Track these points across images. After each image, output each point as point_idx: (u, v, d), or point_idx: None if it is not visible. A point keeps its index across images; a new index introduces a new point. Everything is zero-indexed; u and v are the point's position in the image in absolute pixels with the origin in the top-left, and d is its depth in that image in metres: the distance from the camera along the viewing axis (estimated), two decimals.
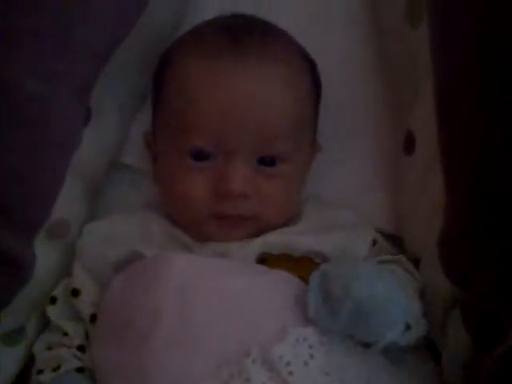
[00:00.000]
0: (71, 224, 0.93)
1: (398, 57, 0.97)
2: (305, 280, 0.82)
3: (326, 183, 1.02)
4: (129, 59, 0.96)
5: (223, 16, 0.97)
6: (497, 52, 0.76)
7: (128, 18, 0.93)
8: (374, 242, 0.93)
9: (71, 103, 0.88)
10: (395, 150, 0.98)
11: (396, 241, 0.98)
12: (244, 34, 0.90)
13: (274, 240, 0.88)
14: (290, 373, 0.75)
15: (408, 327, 0.81)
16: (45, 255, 0.90)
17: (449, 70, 0.84)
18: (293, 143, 0.90)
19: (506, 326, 0.75)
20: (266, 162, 0.89)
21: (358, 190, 1.02)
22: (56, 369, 0.88)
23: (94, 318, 0.89)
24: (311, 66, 0.96)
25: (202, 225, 0.89)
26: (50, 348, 0.91)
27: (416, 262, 0.92)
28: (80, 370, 0.88)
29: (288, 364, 0.76)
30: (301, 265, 0.88)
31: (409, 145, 0.94)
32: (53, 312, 0.92)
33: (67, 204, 0.91)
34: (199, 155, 0.88)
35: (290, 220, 0.93)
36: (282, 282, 0.84)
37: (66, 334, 0.91)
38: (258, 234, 0.89)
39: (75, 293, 0.91)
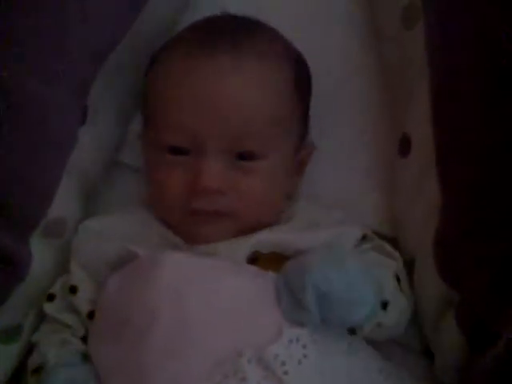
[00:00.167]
0: (67, 222, 0.93)
1: (394, 58, 0.97)
2: None
3: (322, 184, 1.02)
4: (127, 57, 0.96)
5: (211, 16, 0.97)
6: (496, 51, 0.77)
7: (127, 18, 0.94)
8: (364, 237, 0.93)
9: (69, 102, 0.88)
10: (391, 151, 0.99)
11: (391, 242, 0.98)
12: (220, 31, 0.91)
13: (265, 239, 0.88)
14: (285, 372, 0.76)
15: (385, 304, 0.83)
16: (41, 253, 0.90)
17: (447, 70, 0.84)
18: (269, 139, 0.89)
19: (501, 327, 0.75)
20: (244, 157, 0.88)
21: (354, 191, 1.02)
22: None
23: (91, 315, 0.89)
24: (296, 64, 0.95)
25: (180, 222, 0.90)
26: (50, 333, 0.91)
27: (410, 264, 0.92)
28: (84, 356, 0.88)
29: (283, 363, 0.76)
30: None
31: (404, 147, 0.95)
32: (51, 309, 0.92)
33: (64, 202, 0.91)
34: (175, 150, 0.89)
35: (278, 219, 0.93)
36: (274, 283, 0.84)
37: (67, 326, 0.91)
38: (240, 232, 0.89)
39: (73, 290, 0.91)
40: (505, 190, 0.77)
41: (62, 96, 0.86)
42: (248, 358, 0.77)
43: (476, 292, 0.80)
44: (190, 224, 0.89)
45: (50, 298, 0.93)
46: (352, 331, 0.82)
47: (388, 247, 0.92)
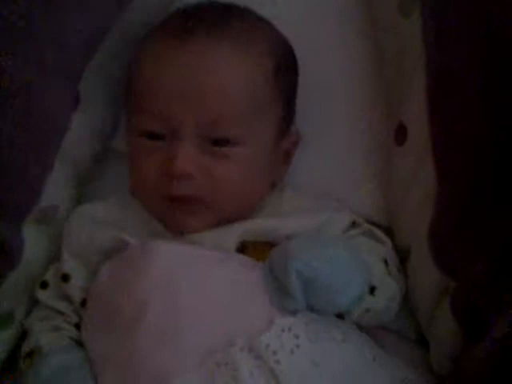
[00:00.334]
0: (60, 209, 0.93)
1: (390, 47, 0.97)
2: None
3: (317, 173, 1.01)
4: (118, 44, 0.96)
5: (193, 4, 0.96)
6: (493, 41, 0.77)
7: (120, 4, 0.93)
8: (353, 224, 0.93)
9: (61, 90, 0.88)
10: (387, 140, 0.98)
11: (385, 232, 0.98)
12: (196, 18, 0.90)
13: (252, 227, 0.88)
14: (277, 361, 0.76)
15: (372, 289, 0.83)
16: (33, 240, 0.90)
17: (443, 60, 0.84)
18: (244, 126, 0.88)
19: (497, 313, 0.75)
20: (217, 143, 0.88)
21: (349, 180, 1.02)
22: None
23: (84, 303, 0.89)
24: (279, 50, 0.94)
25: (159, 210, 0.89)
26: (43, 321, 0.91)
27: (406, 253, 0.92)
28: (77, 342, 0.88)
29: (275, 353, 0.76)
30: None
31: (400, 135, 0.94)
32: (44, 296, 0.92)
33: (56, 189, 0.91)
34: (150, 135, 0.88)
35: (260, 206, 0.93)
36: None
37: (60, 313, 0.91)
38: (222, 221, 0.88)
39: (65, 278, 0.90)
40: (500, 178, 0.77)
41: (53, 83, 0.86)
42: (240, 346, 0.76)
43: (472, 279, 0.80)
44: (165, 211, 0.89)
45: (44, 285, 0.92)
46: (340, 316, 0.82)
47: (377, 231, 0.93)
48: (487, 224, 0.78)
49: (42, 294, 0.92)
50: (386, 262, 0.88)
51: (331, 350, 0.80)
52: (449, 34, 0.83)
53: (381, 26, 1.00)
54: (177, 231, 0.89)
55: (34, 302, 0.93)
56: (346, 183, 1.01)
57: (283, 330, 0.78)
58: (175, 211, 0.88)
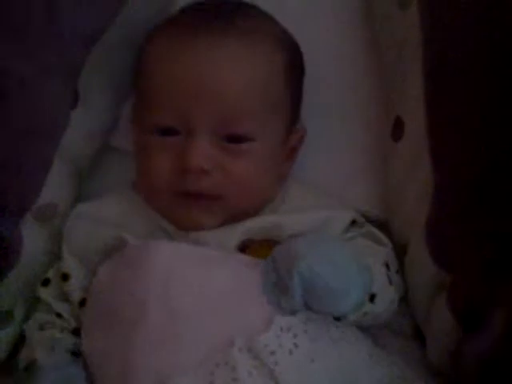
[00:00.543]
0: (59, 207, 0.93)
1: (388, 40, 0.96)
2: None
3: (314, 168, 1.01)
4: (117, 40, 0.95)
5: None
6: (492, 33, 0.77)
7: (119, 1, 0.93)
8: (353, 222, 0.93)
9: (59, 88, 0.88)
10: (384, 134, 0.98)
11: (383, 225, 0.98)
12: (210, 13, 0.90)
13: (255, 225, 0.88)
14: (275, 362, 0.76)
15: (373, 296, 0.83)
16: (32, 238, 0.90)
17: (440, 52, 0.84)
18: (258, 122, 0.88)
19: (493, 309, 0.76)
20: (232, 139, 0.88)
21: (346, 175, 1.02)
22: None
23: (83, 303, 0.89)
24: (289, 49, 0.94)
25: (167, 206, 0.89)
26: (42, 328, 0.91)
27: (403, 248, 0.92)
28: (74, 353, 0.88)
29: (273, 353, 0.77)
30: None
31: (397, 130, 0.94)
32: (45, 293, 0.92)
33: (55, 187, 0.91)
34: (163, 132, 0.88)
35: (266, 204, 0.93)
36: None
37: (59, 315, 0.91)
38: (230, 218, 0.88)
39: (65, 277, 0.91)
40: (497, 172, 0.77)
41: (52, 81, 0.86)
42: (239, 347, 0.77)
43: (469, 273, 0.80)
44: (177, 208, 0.88)
45: (45, 282, 0.92)
46: (337, 318, 0.82)
47: (378, 233, 0.92)
48: (484, 219, 0.79)
49: (43, 292, 0.92)
50: (387, 265, 0.88)
51: (329, 349, 0.80)
52: (443, 26, 0.83)
53: (378, 18, 0.99)
54: (186, 228, 0.88)
55: (34, 301, 0.93)
56: (343, 178, 1.01)
57: (282, 330, 0.78)
58: (191, 207, 0.88)
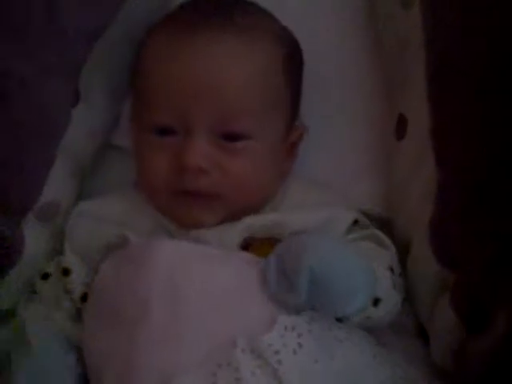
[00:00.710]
0: (61, 206, 0.93)
1: (391, 39, 0.96)
2: None
3: (317, 166, 1.01)
4: (118, 37, 0.95)
5: None
6: (493, 34, 0.77)
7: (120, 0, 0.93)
8: (356, 222, 0.93)
9: (60, 86, 0.88)
10: (387, 133, 0.98)
11: (385, 223, 0.98)
12: (209, 10, 0.90)
13: (257, 223, 0.88)
14: (279, 361, 0.76)
15: (377, 301, 0.82)
16: (34, 237, 0.90)
17: (442, 50, 0.84)
18: (257, 120, 0.88)
19: (496, 307, 0.76)
20: (230, 137, 0.87)
21: (349, 172, 1.02)
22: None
23: (84, 298, 0.89)
24: (288, 46, 0.94)
25: (168, 205, 0.89)
26: (37, 320, 0.90)
27: (406, 246, 0.92)
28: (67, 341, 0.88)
29: (277, 353, 0.76)
30: None
31: (400, 128, 0.94)
32: (44, 287, 0.91)
33: (57, 186, 0.91)
34: (161, 131, 0.88)
35: (266, 201, 0.92)
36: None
37: (59, 307, 0.90)
38: (230, 216, 0.88)
39: (66, 272, 0.90)
40: (501, 169, 0.77)
41: (53, 79, 0.86)
42: (242, 347, 0.76)
43: (472, 272, 0.79)
44: (177, 207, 0.88)
45: (45, 276, 0.92)
46: (339, 319, 0.82)
47: (381, 235, 0.92)
48: (487, 218, 0.78)
49: (41, 285, 0.91)
50: (391, 269, 0.88)
51: (333, 349, 0.79)
52: (446, 26, 0.83)
53: (381, 17, 0.99)
54: (187, 226, 0.88)
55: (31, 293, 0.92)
56: (346, 175, 1.01)
57: (286, 329, 0.78)
58: (191, 205, 0.88)
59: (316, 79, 0.99)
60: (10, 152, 0.84)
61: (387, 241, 0.91)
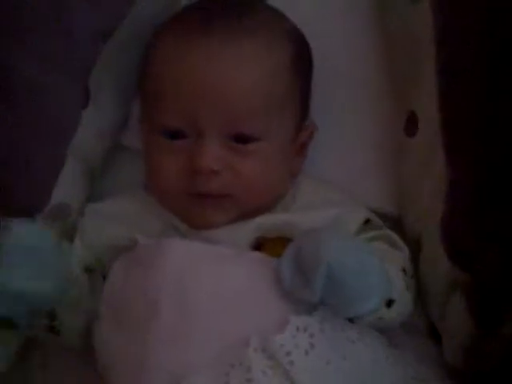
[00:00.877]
0: (72, 207, 0.93)
1: (400, 35, 0.96)
2: None
3: (326, 163, 1.01)
4: (127, 38, 0.95)
5: None
6: (504, 28, 0.76)
7: (130, 1, 0.93)
8: (367, 221, 0.92)
9: (70, 87, 0.88)
10: (397, 129, 0.97)
11: (396, 222, 0.97)
12: (213, 12, 0.90)
13: (268, 222, 0.88)
14: (291, 362, 0.76)
15: (390, 302, 0.82)
16: None
17: (452, 47, 0.83)
18: (266, 120, 0.88)
19: (510, 307, 0.76)
20: (240, 139, 0.87)
21: (359, 170, 1.01)
22: None
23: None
24: (297, 44, 0.94)
25: (179, 206, 0.89)
26: None
27: (416, 244, 0.92)
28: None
29: (288, 353, 0.76)
30: None
31: (411, 125, 0.94)
32: None
33: (67, 187, 0.91)
34: (172, 134, 0.88)
35: (277, 201, 0.92)
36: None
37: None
38: (242, 216, 0.88)
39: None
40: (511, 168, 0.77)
41: (63, 80, 0.86)
42: (254, 347, 0.76)
43: (484, 270, 0.79)
44: (190, 207, 0.88)
45: None
46: (350, 319, 0.81)
47: (394, 236, 0.91)
48: (500, 214, 0.78)
49: None
50: (404, 270, 0.88)
51: (346, 349, 0.79)
52: (455, 23, 0.83)
53: (390, 12, 0.98)
54: (199, 226, 0.88)
55: None
56: (355, 174, 1.01)
57: (298, 330, 0.77)
58: (203, 206, 0.87)
59: (324, 78, 0.98)
60: (20, 152, 0.84)
61: (400, 242, 0.91)
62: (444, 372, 0.86)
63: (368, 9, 1.02)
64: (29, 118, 0.84)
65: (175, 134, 0.88)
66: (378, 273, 0.79)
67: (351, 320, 0.81)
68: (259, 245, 0.87)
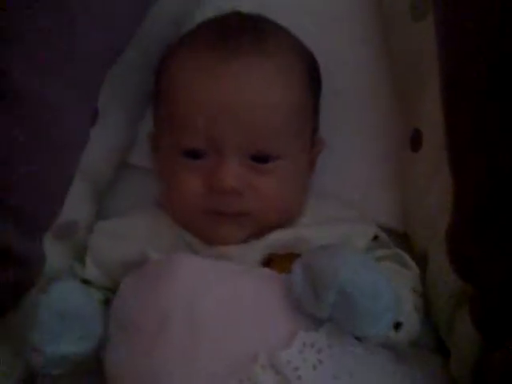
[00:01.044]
0: (79, 224, 0.94)
1: (403, 52, 0.97)
2: None
3: (332, 179, 1.02)
4: (135, 57, 0.96)
5: (220, 15, 0.96)
6: (497, 38, 0.77)
7: (137, 18, 0.93)
8: (375, 238, 0.93)
9: (79, 105, 0.88)
10: (401, 145, 0.98)
11: (402, 237, 0.98)
12: (232, 33, 0.90)
13: (278, 239, 0.88)
14: (299, 377, 0.75)
15: (398, 325, 0.82)
16: (53, 256, 0.90)
17: (454, 62, 0.84)
18: (285, 139, 0.89)
19: None
20: (259, 159, 0.88)
21: (364, 185, 1.02)
22: None
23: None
24: (308, 62, 0.95)
25: (197, 223, 0.89)
26: None
27: (422, 259, 0.92)
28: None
29: (296, 369, 0.76)
30: None
31: (416, 141, 0.94)
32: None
33: (75, 204, 0.92)
34: (192, 154, 0.88)
35: (292, 218, 0.93)
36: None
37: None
38: (259, 233, 0.89)
39: (86, 282, 0.91)
40: None
41: (72, 99, 0.86)
42: (262, 363, 0.76)
43: (491, 284, 0.79)
44: (205, 225, 0.89)
45: None
46: (357, 338, 0.80)
47: (404, 256, 0.91)
48: (505, 228, 0.78)
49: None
50: (413, 290, 0.88)
51: (353, 365, 0.79)
52: (458, 40, 0.83)
53: (393, 30, 0.99)
54: (213, 242, 0.88)
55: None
56: (361, 190, 1.01)
57: (305, 345, 0.77)
58: (221, 223, 0.88)
59: (330, 94, 0.99)
60: (30, 168, 0.84)
61: (410, 261, 0.91)
62: None
63: (372, 28, 1.03)
64: (40, 134, 0.84)
65: (195, 153, 0.88)
66: (389, 295, 0.78)
67: (358, 339, 0.80)
68: (269, 260, 0.88)
